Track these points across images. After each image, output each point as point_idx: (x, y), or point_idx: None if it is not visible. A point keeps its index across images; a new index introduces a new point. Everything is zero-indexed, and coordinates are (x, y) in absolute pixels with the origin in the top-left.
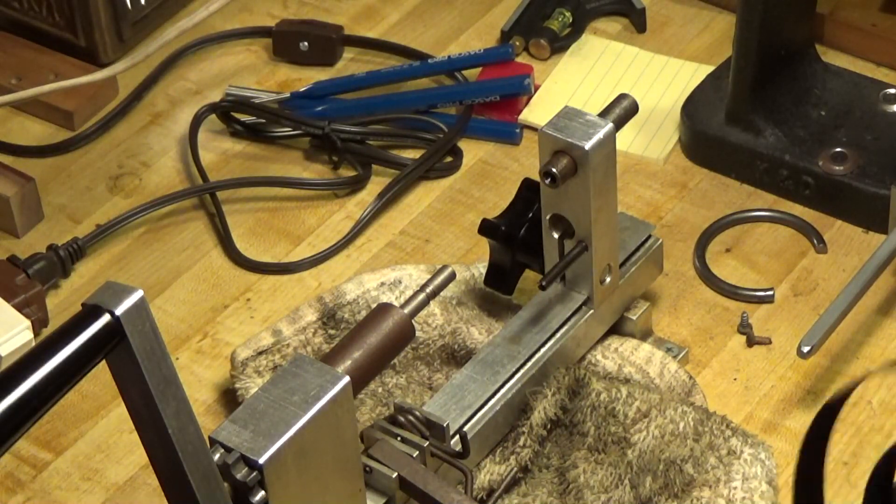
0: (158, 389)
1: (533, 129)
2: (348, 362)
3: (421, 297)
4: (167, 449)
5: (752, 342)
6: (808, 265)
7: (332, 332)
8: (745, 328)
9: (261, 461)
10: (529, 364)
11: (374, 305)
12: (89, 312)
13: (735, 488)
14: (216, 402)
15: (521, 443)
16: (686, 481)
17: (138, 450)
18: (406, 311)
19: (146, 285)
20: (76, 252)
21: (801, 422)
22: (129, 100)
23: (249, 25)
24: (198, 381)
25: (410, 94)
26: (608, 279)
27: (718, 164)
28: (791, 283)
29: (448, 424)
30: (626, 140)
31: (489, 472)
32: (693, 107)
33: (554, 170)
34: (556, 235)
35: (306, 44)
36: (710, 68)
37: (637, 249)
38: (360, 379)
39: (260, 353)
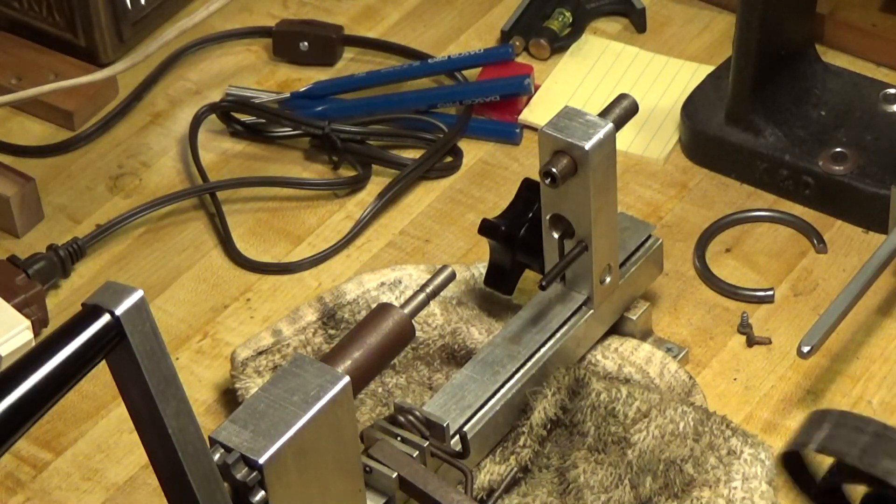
0: (158, 389)
1: (533, 129)
2: (348, 362)
3: (421, 297)
4: (167, 449)
5: (752, 342)
6: (808, 265)
7: (332, 332)
8: (745, 328)
9: (261, 461)
10: (529, 364)
11: (374, 305)
12: (89, 312)
13: (735, 488)
14: (216, 402)
15: (521, 443)
16: (686, 481)
17: (138, 450)
18: (406, 311)
19: (146, 285)
20: (76, 252)
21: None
22: (129, 100)
23: (249, 25)
24: (198, 381)
25: (410, 94)
26: (608, 279)
27: (718, 164)
28: (791, 283)
29: (448, 424)
30: (626, 140)
31: (489, 472)
32: (693, 107)
33: (554, 170)
34: (556, 235)
35: (306, 44)
36: (710, 68)
37: (637, 249)
38: (360, 379)
39: (260, 353)
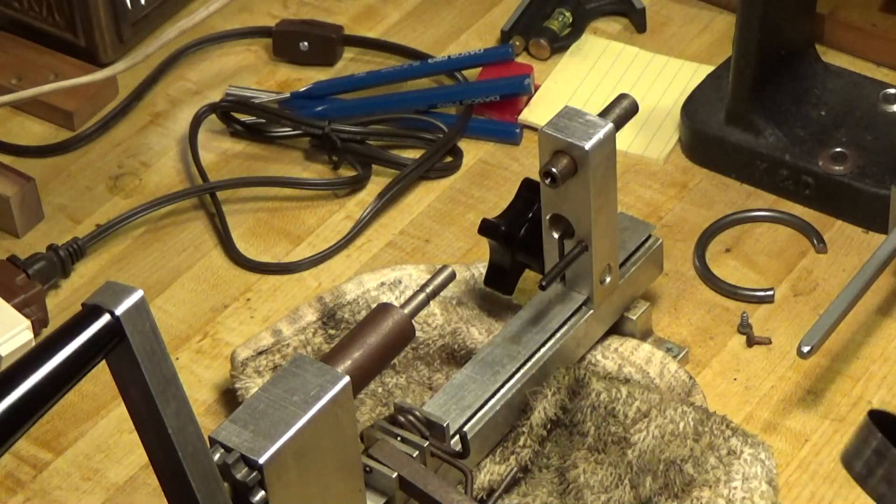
0: (158, 389)
1: (533, 129)
2: (348, 362)
3: (421, 297)
4: (167, 449)
5: (752, 342)
6: (808, 265)
7: (332, 332)
8: (745, 328)
9: (261, 461)
10: (529, 364)
11: (374, 305)
12: (89, 312)
13: (735, 488)
14: (216, 402)
15: (521, 443)
16: (686, 481)
17: (138, 450)
18: (406, 311)
19: (146, 285)
20: (76, 252)
21: (801, 422)
22: (129, 100)
23: (249, 25)
24: (198, 381)
25: (410, 94)
26: (608, 279)
27: (718, 164)
28: (791, 283)
29: (448, 424)
30: (626, 140)
31: (489, 472)
32: (693, 107)
33: (554, 170)
34: (556, 235)
35: (306, 44)
36: (710, 68)
37: (637, 249)
38: (360, 379)
39: (260, 353)
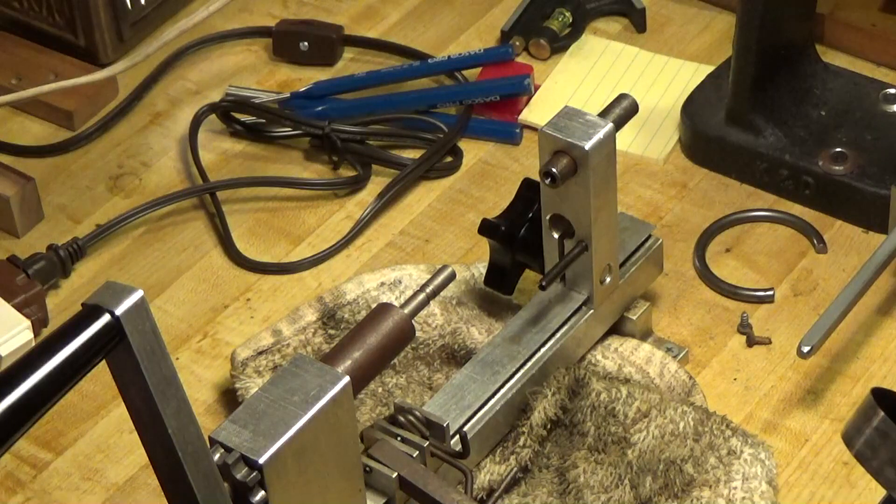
0: (158, 389)
1: (533, 129)
2: (348, 362)
3: (421, 297)
4: (167, 449)
5: (752, 342)
6: (808, 265)
7: (332, 332)
8: (745, 328)
9: (261, 461)
10: (529, 364)
11: (374, 305)
12: (89, 312)
13: (735, 488)
14: (216, 402)
15: (521, 443)
16: (686, 481)
17: (138, 450)
18: (406, 311)
19: (146, 285)
20: (76, 252)
21: (801, 422)
22: (129, 100)
23: (249, 25)
24: (198, 381)
25: (410, 94)
26: (608, 279)
27: (718, 164)
28: (791, 283)
29: (448, 424)
30: (626, 140)
31: (489, 472)
32: (693, 107)
33: (554, 170)
34: (556, 235)
35: (306, 44)
36: (710, 68)
37: (637, 249)
38: (360, 379)
39: (260, 353)
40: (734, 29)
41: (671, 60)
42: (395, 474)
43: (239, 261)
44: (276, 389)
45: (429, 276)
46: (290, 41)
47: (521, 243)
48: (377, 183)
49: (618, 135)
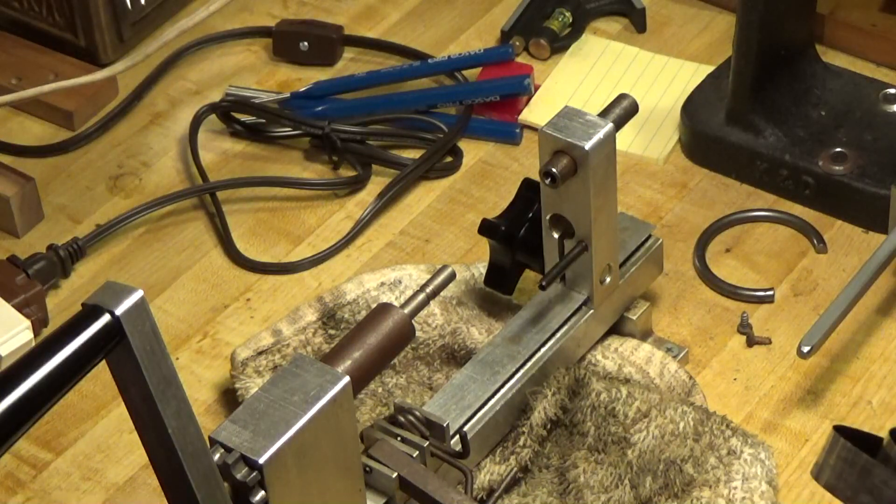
0: (158, 389)
1: (533, 129)
2: (348, 362)
3: (421, 297)
4: (167, 449)
5: (752, 342)
6: (808, 265)
7: (332, 332)
8: (745, 328)
9: (261, 461)
10: (529, 364)
11: (374, 305)
12: (89, 312)
13: (735, 488)
14: (216, 402)
15: (521, 443)
16: (686, 481)
17: (138, 450)
18: (406, 311)
19: (146, 285)
20: (76, 252)
21: (801, 422)
22: (129, 100)
23: (249, 25)
24: (198, 381)
25: (410, 94)
26: (608, 279)
27: (718, 164)
28: (791, 283)
29: (448, 424)
30: (626, 140)
31: (489, 472)
32: (693, 107)
33: (554, 170)
34: (556, 235)
35: (306, 44)
36: (710, 68)
37: (637, 249)
38: (360, 379)
39: (260, 353)
40: (734, 29)
41: (671, 60)
42: (395, 474)
43: (239, 261)
44: (276, 389)
45: (429, 276)
46: (290, 41)
47: (521, 243)
48: (377, 183)
49: (618, 135)
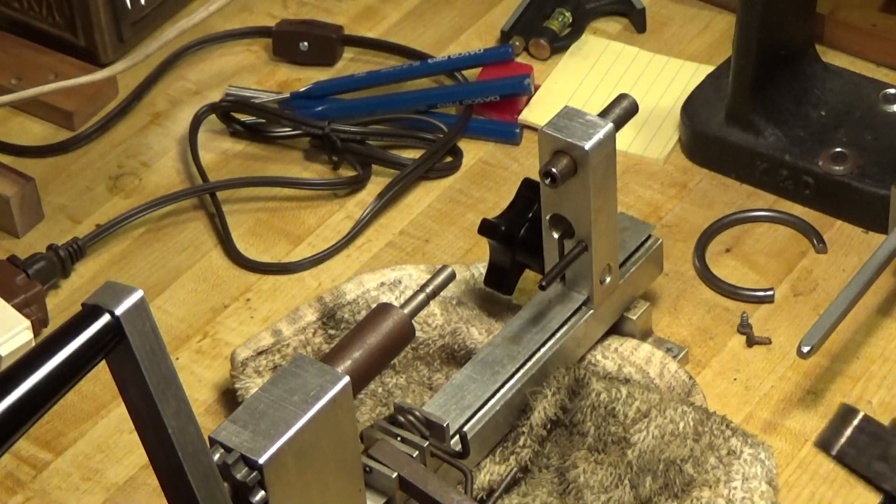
0: (158, 389)
1: (533, 129)
2: (348, 362)
3: (421, 297)
4: (167, 449)
5: (752, 342)
6: (808, 265)
7: (332, 332)
8: (745, 328)
9: (261, 461)
10: (529, 364)
11: (374, 305)
12: (89, 312)
13: (735, 488)
14: (216, 402)
15: (521, 443)
16: (686, 481)
17: (138, 450)
18: (406, 311)
19: (146, 285)
20: (76, 252)
21: (801, 422)
22: (129, 100)
23: (249, 25)
24: (198, 381)
25: (410, 94)
26: (608, 279)
27: (718, 164)
28: (791, 283)
29: (448, 424)
30: (626, 140)
31: (489, 472)
32: (693, 107)
33: (554, 170)
34: (556, 235)
35: (306, 44)
36: (710, 68)
37: (637, 249)
38: (360, 379)
39: (260, 353)
40: (734, 29)
41: (671, 60)
42: (395, 474)
43: (239, 261)
44: (276, 389)
45: (429, 276)
46: (290, 41)
47: (521, 243)
48: (377, 183)
49: (618, 135)
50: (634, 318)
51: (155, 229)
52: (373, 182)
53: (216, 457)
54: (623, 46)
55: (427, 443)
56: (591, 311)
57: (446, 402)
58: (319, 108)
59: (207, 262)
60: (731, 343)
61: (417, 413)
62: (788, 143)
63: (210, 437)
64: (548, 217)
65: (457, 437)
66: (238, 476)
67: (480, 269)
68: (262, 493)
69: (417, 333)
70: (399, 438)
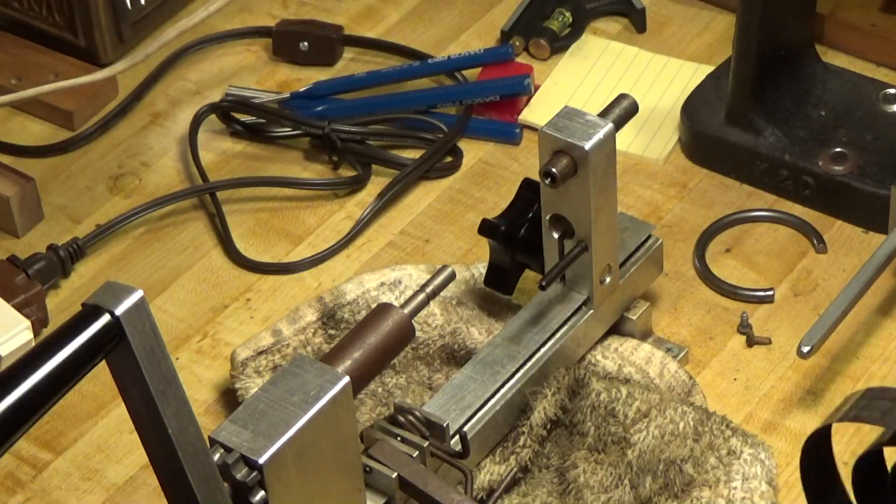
0: (158, 389)
1: (533, 129)
2: (348, 362)
3: (421, 297)
4: (167, 449)
5: (752, 342)
6: (808, 265)
7: (332, 332)
8: (745, 328)
9: (261, 461)
10: (529, 364)
11: (374, 305)
12: (89, 312)
13: (735, 488)
14: (216, 402)
15: (521, 443)
16: (686, 481)
17: (138, 450)
18: (406, 311)
19: (146, 285)
20: (76, 252)
21: (801, 422)
22: (129, 100)
23: (249, 25)
24: (198, 381)
25: (410, 94)
26: (608, 279)
27: (718, 164)
28: (791, 283)
29: (448, 424)
30: (626, 140)
31: (489, 472)
32: (693, 107)
33: (554, 170)
34: (556, 235)
35: (306, 44)
36: (710, 68)
37: (637, 249)
38: (360, 379)
39: (260, 353)
40: (734, 29)
41: (671, 60)
42: (395, 474)
43: (239, 261)
44: (276, 389)
45: (429, 276)
46: (290, 41)
47: (521, 243)
48: (377, 183)
49: (618, 135)
50: (634, 318)
51: (155, 229)
52: (373, 182)
53: (216, 457)
54: (623, 46)
55: (427, 443)
56: (591, 311)
57: (446, 402)
58: (319, 108)
59: (207, 262)
60: (731, 343)
61: (417, 413)
62: (788, 143)
63: (210, 437)
64: (548, 217)
65: (457, 437)
66: (238, 476)
67: (480, 269)
68: (262, 493)
69: (417, 333)
70: (399, 438)
